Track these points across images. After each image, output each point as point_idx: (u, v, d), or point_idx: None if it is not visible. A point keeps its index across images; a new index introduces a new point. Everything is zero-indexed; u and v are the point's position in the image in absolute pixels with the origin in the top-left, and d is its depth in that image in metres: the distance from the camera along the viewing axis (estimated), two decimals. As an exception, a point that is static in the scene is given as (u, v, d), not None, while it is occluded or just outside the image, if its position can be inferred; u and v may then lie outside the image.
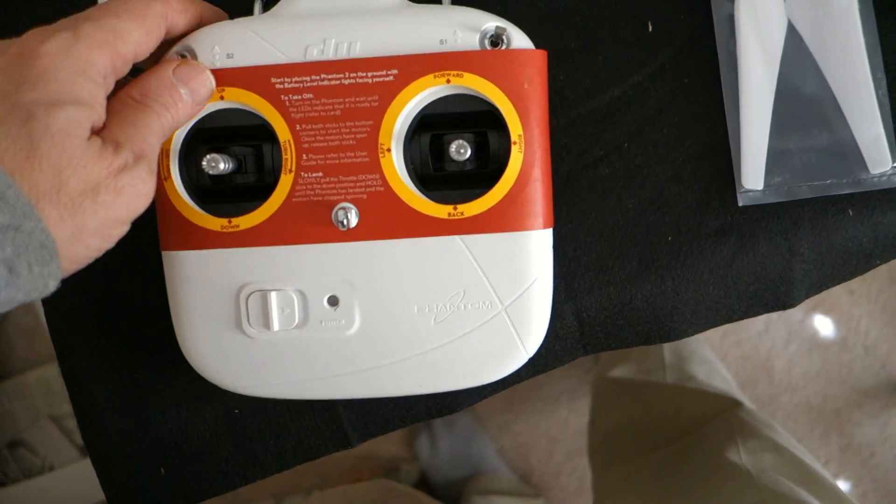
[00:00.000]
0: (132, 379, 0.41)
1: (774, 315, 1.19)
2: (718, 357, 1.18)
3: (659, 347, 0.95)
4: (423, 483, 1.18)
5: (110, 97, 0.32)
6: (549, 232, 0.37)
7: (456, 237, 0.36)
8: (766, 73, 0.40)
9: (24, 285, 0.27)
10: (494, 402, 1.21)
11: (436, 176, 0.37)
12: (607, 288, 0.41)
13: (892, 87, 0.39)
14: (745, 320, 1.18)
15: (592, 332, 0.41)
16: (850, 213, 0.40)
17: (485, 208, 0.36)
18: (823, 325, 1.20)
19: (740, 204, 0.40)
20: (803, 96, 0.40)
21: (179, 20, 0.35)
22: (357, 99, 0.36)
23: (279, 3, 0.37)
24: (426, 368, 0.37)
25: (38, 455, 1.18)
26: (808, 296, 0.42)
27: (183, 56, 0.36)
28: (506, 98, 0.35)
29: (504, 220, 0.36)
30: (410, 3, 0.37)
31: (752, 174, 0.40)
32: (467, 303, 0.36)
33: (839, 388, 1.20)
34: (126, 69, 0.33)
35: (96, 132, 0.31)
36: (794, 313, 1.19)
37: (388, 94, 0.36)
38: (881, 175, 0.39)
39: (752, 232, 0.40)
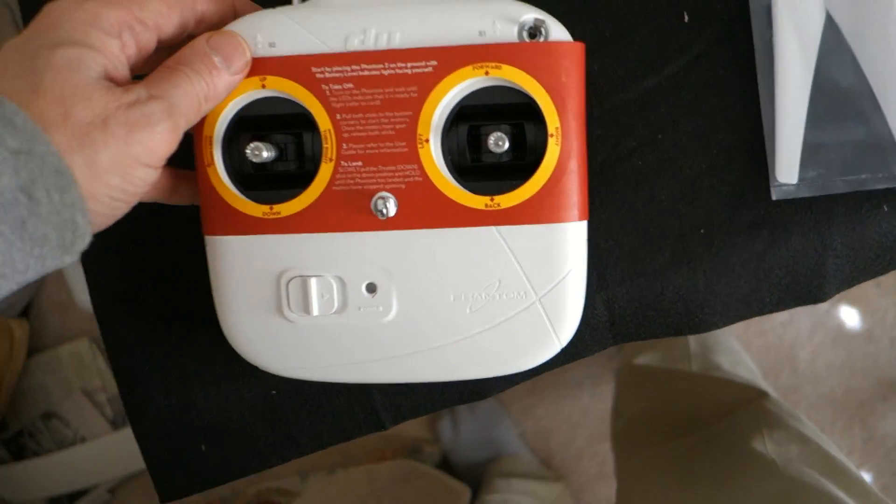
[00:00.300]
0: (175, 359, 0.43)
1: (800, 305, 1.19)
2: (742, 346, 1.18)
3: (684, 336, 0.95)
4: (445, 464, 1.20)
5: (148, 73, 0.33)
6: (584, 224, 0.38)
7: (492, 228, 0.37)
8: (802, 65, 0.40)
9: (47, 215, 0.27)
10: (517, 387, 1.22)
11: (473, 167, 0.38)
12: (639, 279, 0.41)
13: (931, 81, 0.39)
14: (771, 310, 1.18)
15: (623, 322, 0.42)
16: (885, 208, 0.40)
17: (521, 200, 0.36)
18: (849, 317, 1.19)
19: (774, 197, 0.40)
20: (840, 89, 0.40)
21: (209, 4, 0.36)
22: (396, 89, 0.36)
23: None
24: (460, 356, 0.38)
25: (71, 427, 1.21)
26: (839, 290, 0.42)
27: None
28: (543, 90, 0.36)
29: (540, 211, 0.36)
30: None
31: (787, 168, 0.40)
32: (502, 292, 0.37)
33: (863, 380, 1.19)
34: (147, 36, 0.33)
35: (114, 80, 0.32)
36: (820, 304, 1.19)
37: (427, 85, 0.36)
38: (918, 170, 0.39)
39: (785, 226, 0.40)
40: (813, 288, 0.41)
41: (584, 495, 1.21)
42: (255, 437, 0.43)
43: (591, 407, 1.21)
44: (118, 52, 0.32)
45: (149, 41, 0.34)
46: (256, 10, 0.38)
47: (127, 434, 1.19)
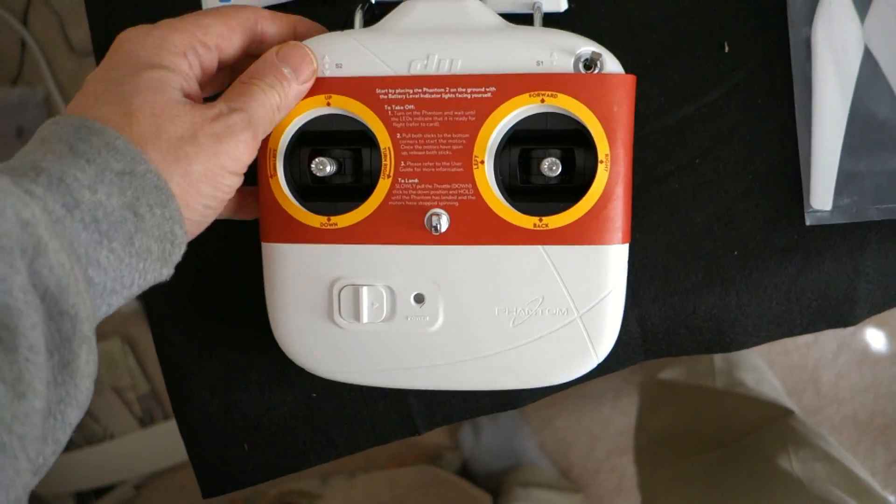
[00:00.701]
0: (221, 360, 0.45)
1: (825, 326, 1.18)
2: (766, 365, 1.18)
3: (710, 352, 0.96)
4: (465, 472, 1.21)
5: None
6: (626, 247, 0.39)
7: (539, 247, 0.38)
8: (840, 95, 0.41)
9: (150, 229, 0.30)
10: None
11: (522, 188, 0.39)
12: (672, 298, 0.42)
13: (966, 114, 0.40)
14: (795, 330, 1.17)
15: (654, 339, 0.43)
16: (918, 236, 0.41)
17: (569, 221, 0.38)
18: (875, 339, 1.18)
19: (808, 223, 0.41)
20: (876, 120, 0.41)
21: (269, 27, 0.38)
22: (455, 113, 0.38)
23: (385, 18, 0.40)
24: (502, 367, 0.39)
25: (100, 423, 1.24)
26: (870, 315, 0.43)
27: None
28: (596, 119, 0.37)
29: (586, 233, 0.38)
30: (509, 24, 0.39)
31: (821, 194, 0.41)
32: (545, 308, 0.38)
33: (888, 403, 1.18)
34: (210, 57, 0.36)
35: (190, 97, 0.34)
36: (846, 325, 1.18)
37: (485, 110, 0.38)
38: (951, 200, 0.40)
39: (818, 251, 0.41)
40: (843, 312, 0.42)
41: (603, 508, 1.21)
42: (296, 437, 0.44)
43: (612, 420, 1.22)
44: (187, 70, 0.35)
45: (211, 62, 0.36)
46: (318, 30, 0.40)
47: (154, 432, 1.22)
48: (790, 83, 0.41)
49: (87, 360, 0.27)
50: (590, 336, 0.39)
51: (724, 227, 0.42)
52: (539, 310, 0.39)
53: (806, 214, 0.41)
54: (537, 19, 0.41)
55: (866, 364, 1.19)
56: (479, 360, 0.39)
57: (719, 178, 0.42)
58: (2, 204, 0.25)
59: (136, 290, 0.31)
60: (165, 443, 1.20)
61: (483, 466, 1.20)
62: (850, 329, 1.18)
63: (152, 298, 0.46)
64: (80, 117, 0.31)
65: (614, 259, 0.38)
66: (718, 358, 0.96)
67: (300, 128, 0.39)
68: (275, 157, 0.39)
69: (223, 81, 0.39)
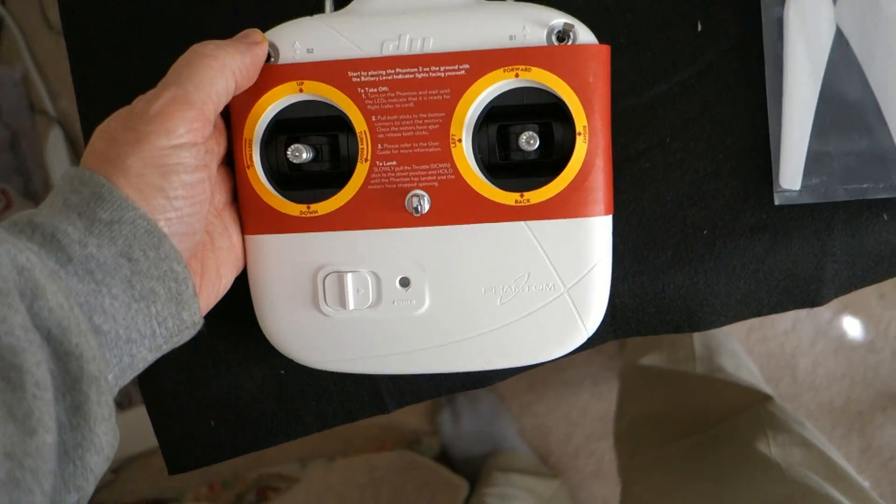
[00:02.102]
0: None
1: (802, 313, 1.19)
2: (744, 352, 1.19)
3: (689, 338, 0.96)
4: (444, 457, 1.21)
5: None
6: (609, 218, 0.39)
7: (522, 223, 0.38)
8: (811, 76, 0.41)
9: (147, 271, 0.30)
10: (517, 383, 1.23)
11: (502, 164, 0.39)
12: (641, 276, 0.42)
13: (935, 96, 0.40)
14: (773, 317, 1.19)
15: (624, 317, 0.43)
16: (885, 217, 0.41)
17: (550, 196, 0.38)
18: (852, 327, 1.20)
19: (777, 203, 0.41)
20: (846, 101, 0.41)
21: (240, 62, 0.36)
22: (430, 92, 0.37)
23: (355, 1, 0.39)
24: (491, 346, 0.39)
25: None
26: (836, 295, 0.43)
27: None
28: (571, 91, 0.37)
29: (568, 206, 0.38)
30: (480, 0, 0.39)
31: (791, 174, 0.41)
32: (531, 285, 0.38)
33: (863, 391, 1.20)
34: (210, 117, 0.35)
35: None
36: (823, 313, 1.19)
37: (459, 88, 0.37)
38: (918, 182, 0.40)
39: (786, 230, 0.41)
40: (811, 292, 0.42)
41: (581, 493, 1.22)
42: (263, 414, 0.44)
43: (590, 406, 1.22)
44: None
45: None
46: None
47: (131, 415, 1.21)
48: (762, 63, 0.41)
49: (98, 402, 0.27)
50: (578, 310, 0.39)
51: (693, 206, 0.42)
52: (525, 286, 0.38)
53: (775, 194, 0.41)
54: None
55: (842, 352, 1.20)
56: (469, 341, 0.39)
57: (690, 158, 0.42)
58: None
59: (161, 340, 0.31)
60: (143, 426, 1.19)
61: (462, 451, 1.20)
62: (827, 317, 1.19)
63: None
64: (77, 168, 0.32)
65: (598, 231, 0.38)
66: (698, 344, 0.96)
67: (275, 116, 0.39)
68: (251, 146, 0.38)
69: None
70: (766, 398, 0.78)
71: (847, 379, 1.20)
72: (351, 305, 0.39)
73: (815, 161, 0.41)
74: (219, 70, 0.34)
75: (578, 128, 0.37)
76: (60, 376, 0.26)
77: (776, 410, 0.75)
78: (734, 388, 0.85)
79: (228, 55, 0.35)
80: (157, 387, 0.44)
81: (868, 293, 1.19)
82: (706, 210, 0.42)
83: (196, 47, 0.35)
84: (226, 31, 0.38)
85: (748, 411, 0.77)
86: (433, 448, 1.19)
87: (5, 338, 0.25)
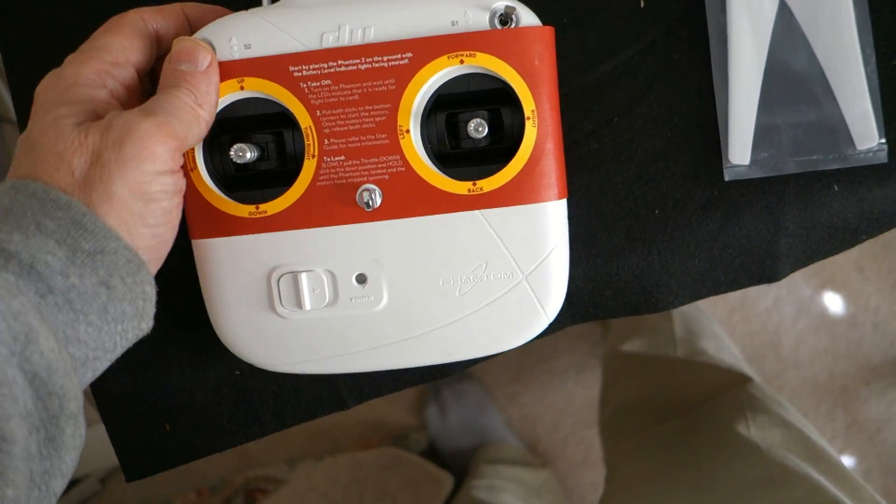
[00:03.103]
0: (140, 341, 0.43)
1: (783, 291, 1.20)
2: (726, 332, 1.19)
3: (669, 322, 0.96)
4: (432, 451, 1.21)
5: None
6: (564, 202, 0.38)
7: (476, 212, 0.37)
8: (755, 49, 0.40)
9: (122, 296, 0.31)
10: (502, 374, 1.23)
11: (453, 154, 0.39)
12: (595, 260, 0.42)
13: (880, 63, 0.40)
14: (755, 296, 1.18)
15: (580, 302, 0.43)
16: (836, 188, 0.40)
17: (502, 183, 0.37)
18: (833, 302, 1.20)
19: (726, 179, 0.41)
20: (792, 72, 0.40)
21: (159, 22, 0.37)
22: (374, 83, 0.37)
23: None
24: (453, 338, 0.38)
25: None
26: (793, 269, 0.42)
27: None
28: (517, 75, 0.36)
29: (521, 193, 0.37)
30: None
31: (739, 149, 0.40)
32: (489, 273, 0.38)
33: (847, 365, 1.20)
34: (127, 73, 0.35)
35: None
36: (803, 290, 1.19)
37: (404, 77, 0.37)
38: (867, 151, 0.40)
39: (737, 206, 0.41)
40: (766, 267, 0.42)
41: (570, 481, 1.22)
42: (220, 416, 0.44)
43: (576, 394, 1.22)
44: (109, 98, 0.34)
45: (130, 77, 0.36)
46: (211, 12, 0.39)
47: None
48: (706, 38, 0.41)
49: (72, 435, 0.28)
50: (538, 296, 0.38)
51: (643, 185, 0.41)
52: (484, 276, 0.38)
53: (724, 170, 0.41)
54: None
55: (824, 327, 1.20)
56: (430, 334, 0.38)
57: (638, 137, 0.41)
58: None
59: (120, 350, 0.32)
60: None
61: (450, 445, 1.20)
62: (808, 293, 1.19)
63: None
64: (38, 185, 0.30)
65: (553, 216, 0.38)
66: (679, 328, 0.96)
67: (217, 115, 0.38)
68: (193, 148, 0.38)
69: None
70: (746, 379, 0.78)
71: (830, 354, 1.20)
72: (307, 306, 0.38)
73: (763, 135, 0.40)
74: (205, 104, 0.36)
75: (527, 112, 0.37)
76: (38, 413, 0.27)
77: (756, 392, 0.75)
78: (714, 370, 0.85)
79: (204, 86, 0.36)
80: (109, 393, 0.43)
81: (847, 268, 1.19)
82: (657, 189, 0.41)
83: (168, 75, 0.35)
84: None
85: (728, 393, 0.77)
86: (420, 443, 1.19)
87: None
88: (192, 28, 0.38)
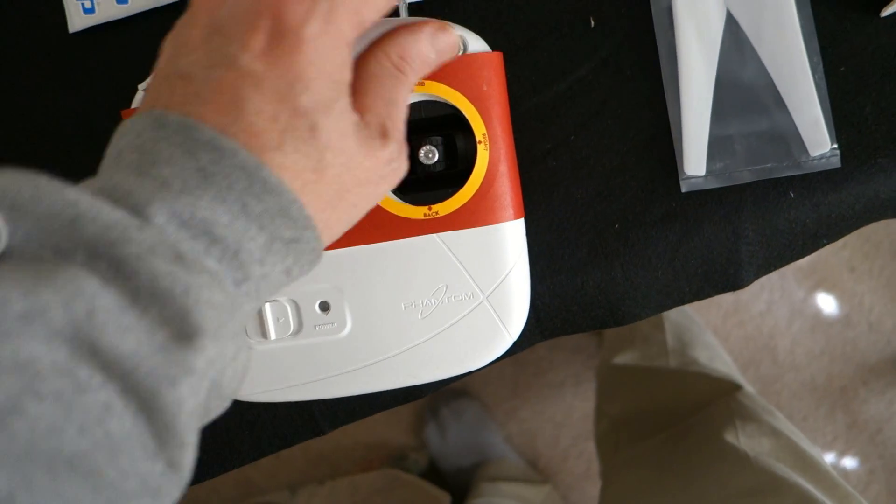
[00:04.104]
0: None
1: (776, 294, 1.20)
2: (721, 338, 1.19)
3: (661, 333, 0.97)
4: (433, 471, 1.21)
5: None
6: (521, 222, 0.39)
7: (433, 235, 0.38)
8: (704, 61, 0.41)
9: (290, 281, 0.28)
10: (500, 390, 1.23)
11: (408, 180, 0.39)
12: (559, 276, 0.42)
13: (828, 70, 0.40)
14: (748, 300, 1.19)
15: (548, 318, 0.43)
16: (792, 195, 0.41)
17: (458, 206, 0.38)
18: (826, 303, 1.20)
19: (683, 190, 0.41)
20: (743, 83, 0.41)
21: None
22: None
23: None
24: (417, 361, 0.39)
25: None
26: (757, 276, 0.43)
27: None
28: (467, 101, 0.37)
29: (477, 215, 0.38)
30: None
31: (694, 161, 0.41)
32: (450, 296, 0.38)
33: (844, 366, 1.20)
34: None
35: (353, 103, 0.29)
36: (796, 292, 1.19)
37: None
38: (821, 157, 0.40)
39: (696, 217, 0.41)
40: (730, 275, 0.42)
41: (573, 495, 1.22)
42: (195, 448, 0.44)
43: (575, 406, 1.22)
44: (352, 69, 0.29)
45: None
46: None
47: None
48: (657, 53, 0.42)
49: (214, 416, 0.27)
50: (499, 316, 0.39)
51: (603, 201, 0.42)
52: (445, 298, 0.38)
53: (681, 182, 0.41)
54: (402, 9, 0.41)
55: (819, 329, 1.20)
56: (394, 358, 0.39)
57: (595, 153, 0.42)
58: (218, 324, 0.24)
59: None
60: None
61: (450, 464, 1.20)
62: (801, 295, 1.19)
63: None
64: (253, 160, 0.25)
65: (510, 236, 0.38)
66: (671, 338, 0.96)
67: None
68: None
69: None
70: (736, 388, 0.78)
71: (826, 356, 1.20)
72: (272, 335, 0.39)
73: (717, 145, 0.41)
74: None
75: (478, 136, 0.38)
76: (196, 425, 0.25)
77: (745, 400, 0.75)
78: (704, 379, 0.85)
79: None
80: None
81: (839, 268, 1.19)
82: (616, 204, 0.42)
83: (424, 60, 0.31)
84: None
85: (717, 402, 0.77)
86: (420, 463, 1.19)
87: (173, 408, 0.23)
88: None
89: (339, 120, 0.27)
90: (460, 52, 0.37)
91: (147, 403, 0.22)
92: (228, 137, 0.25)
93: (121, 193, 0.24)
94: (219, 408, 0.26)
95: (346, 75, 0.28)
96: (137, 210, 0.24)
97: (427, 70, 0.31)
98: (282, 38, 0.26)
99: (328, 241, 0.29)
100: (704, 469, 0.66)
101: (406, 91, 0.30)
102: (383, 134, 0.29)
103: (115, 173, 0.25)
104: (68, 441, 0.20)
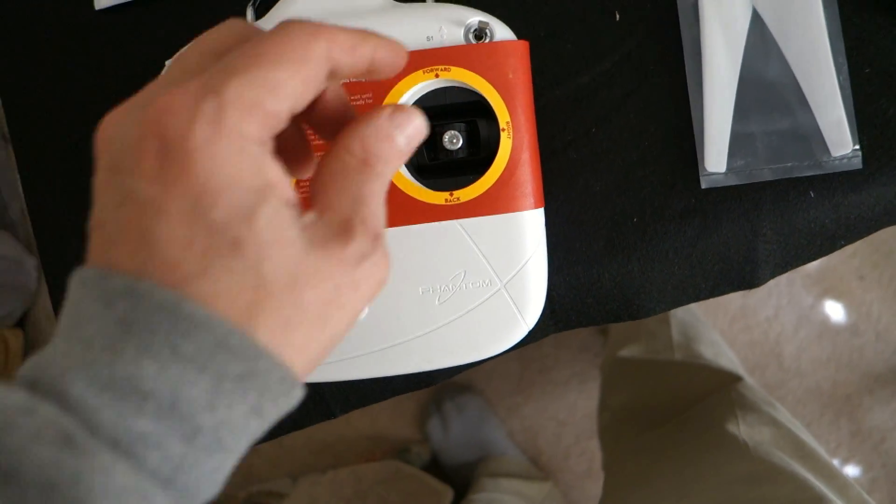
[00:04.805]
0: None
1: (784, 300, 1.19)
2: (727, 342, 1.19)
3: (667, 328, 0.97)
4: (434, 464, 1.21)
5: (318, 155, 0.28)
6: (541, 211, 0.39)
7: (454, 221, 0.38)
8: (729, 58, 0.41)
9: (271, 417, 0.24)
10: (504, 386, 1.23)
11: (431, 165, 0.39)
12: (575, 268, 0.42)
13: (853, 71, 0.40)
14: (755, 305, 1.18)
15: (563, 310, 0.43)
16: (812, 195, 0.41)
17: (479, 193, 0.38)
18: (834, 311, 1.19)
19: (703, 186, 0.41)
20: (766, 81, 0.41)
21: (344, 61, 0.26)
22: (352, 97, 0.38)
23: (272, 10, 0.40)
24: (433, 346, 0.39)
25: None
26: (773, 275, 0.43)
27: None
28: (492, 88, 0.37)
29: (498, 202, 0.38)
30: (396, 2, 0.39)
31: (715, 157, 0.41)
32: (468, 282, 0.39)
33: (849, 374, 1.19)
34: (280, 127, 0.24)
35: (297, 205, 0.25)
36: (805, 299, 1.19)
37: (381, 91, 0.38)
38: (842, 157, 0.40)
39: (715, 214, 0.41)
40: (746, 273, 0.42)
41: (573, 493, 1.22)
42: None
43: (578, 404, 1.22)
44: (275, 166, 0.24)
45: (279, 129, 0.25)
46: (402, 53, 0.29)
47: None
48: (681, 49, 0.42)
49: None
50: (516, 304, 0.39)
51: (622, 194, 0.42)
52: (462, 284, 0.39)
53: (701, 178, 0.41)
54: None
55: (826, 336, 1.20)
56: (411, 343, 0.39)
57: (615, 146, 0.42)
58: None
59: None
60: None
61: (453, 459, 1.20)
62: (809, 302, 1.19)
63: (58, 291, 0.45)
64: (171, 297, 0.22)
65: (530, 224, 0.38)
66: (676, 333, 0.96)
67: None
68: None
69: None
70: (737, 379, 0.78)
71: (833, 363, 1.20)
72: None
73: (738, 143, 0.41)
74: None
75: (502, 124, 0.38)
76: None
77: (746, 391, 0.76)
78: (706, 370, 0.85)
79: (396, 169, 0.28)
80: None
81: (848, 276, 1.19)
82: (635, 198, 0.42)
83: (388, 146, 0.27)
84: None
85: (719, 393, 0.77)
86: (422, 456, 1.19)
87: None
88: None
89: (267, 228, 0.23)
90: (484, 39, 0.37)
91: None
92: (143, 279, 0.22)
93: (42, 367, 0.22)
94: None
95: (266, 177, 0.24)
96: (53, 383, 0.21)
97: (399, 157, 0.27)
98: (170, 154, 0.23)
99: (308, 364, 0.25)
100: (704, 457, 0.66)
101: (378, 186, 0.26)
102: (344, 230, 0.25)
103: (49, 345, 0.23)
104: None
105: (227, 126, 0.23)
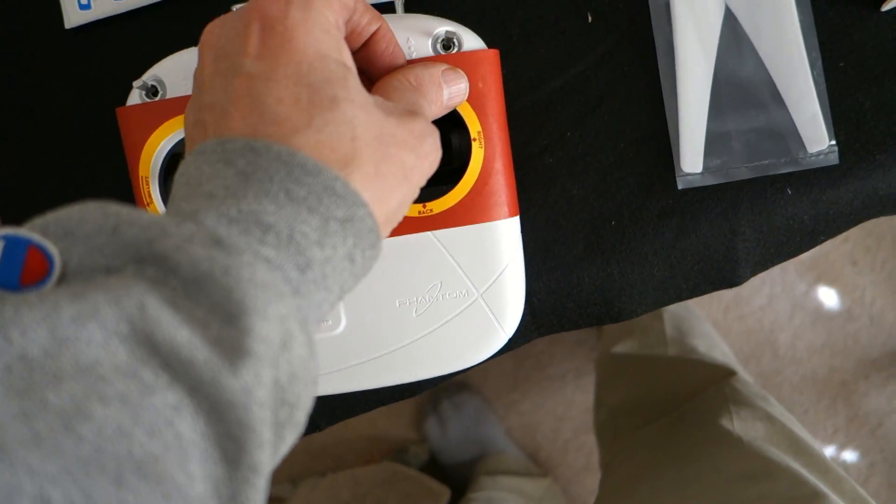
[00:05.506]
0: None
1: (778, 288, 1.19)
2: (722, 332, 1.19)
3: (660, 323, 0.97)
4: (433, 464, 1.21)
5: (378, 77, 0.34)
6: (516, 219, 0.39)
7: (428, 233, 0.38)
8: (702, 57, 0.41)
9: (359, 270, 0.28)
10: (501, 383, 1.23)
11: None
12: (555, 272, 0.42)
13: (827, 66, 0.40)
14: (749, 294, 1.18)
15: (544, 315, 0.43)
16: (789, 191, 0.41)
17: (452, 203, 0.38)
18: (828, 297, 1.19)
19: (680, 187, 0.41)
20: (741, 79, 0.41)
21: (358, 14, 0.31)
22: None
23: None
24: (413, 358, 0.39)
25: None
26: (754, 273, 0.43)
27: (152, 86, 0.38)
28: None
29: (471, 212, 0.38)
30: None
31: (691, 158, 0.41)
32: (445, 293, 0.38)
33: (845, 360, 1.20)
34: (348, 17, 0.30)
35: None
36: (798, 285, 1.19)
37: None
38: (818, 153, 0.40)
39: (693, 214, 0.41)
40: (726, 272, 0.42)
41: (573, 488, 1.22)
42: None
43: (575, 399, 1.22)
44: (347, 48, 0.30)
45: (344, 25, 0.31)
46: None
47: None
48: (654, 49, 0.41)
49: (289, 444, 0.25)
50: (494, 313, 0.39)
51: (599, 197, 0.42)
52: (439, 295, 0.38)
53: (678, 178, 0.41)
54: (398, 5, 0.41)
55: (820, 322, 1.20)
56: (389, 356, 0.39)
57: (591, 150, 0.42)
58: (263, 302, 0.23)
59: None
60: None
61: (451, 458, 1.20)
62: (802, 288, 1.19)
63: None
64: (281, 148, 0.26)
65: (505, 233, 0.38)
66: (669, 328, 0.96)
67: (170, 150, 0.39)
68: (148, 184, 0.38)
69: None
70: (731, 374, 0.78)
71: (828, 349, 1.20)
72: None
73: (714, 142, 0.41)
74: None
75: (473, 133, 0.37)
76: (269, 423, 0.23)
77: (740, 386, 0.76)
78: (701, 365, 0.85)
79: (436, 115, 0.34)
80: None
81: (841, 261, 1.19)
82: (612, 200, 0.42)
83: (435, 89, 0.34)
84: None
85: (713, 388, 0.77)
86: (421, 456, 1.19)
87: (241, 412, 0.22)
88: None
89: (357, 92, 0.28)
90: (462, 92, 0.37)
91: (214, 399, 0.21)
92: (259, 138, 0.26)
93: (171, 214, 0.25)
94: (289, 420, 0.24)
95: (345, 57, 0.28)
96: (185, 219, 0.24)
97: (439, 103, 0.34)
98: (272, 31, 0.27)
99: (384, 219, 0.29)
100: (700, 454, 0.66)
101: (425, 104, 0.32)
102: (410, 112, 0.30)
103: (168, 210, 0.26)
104: (137, 445, 0.19)
105: (315, 10, 0.28)
